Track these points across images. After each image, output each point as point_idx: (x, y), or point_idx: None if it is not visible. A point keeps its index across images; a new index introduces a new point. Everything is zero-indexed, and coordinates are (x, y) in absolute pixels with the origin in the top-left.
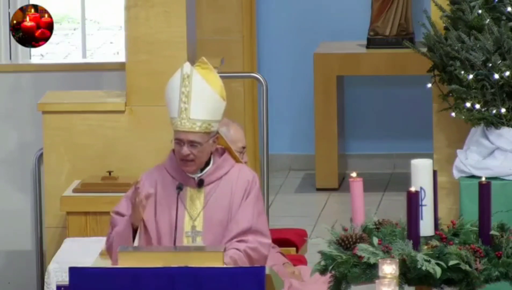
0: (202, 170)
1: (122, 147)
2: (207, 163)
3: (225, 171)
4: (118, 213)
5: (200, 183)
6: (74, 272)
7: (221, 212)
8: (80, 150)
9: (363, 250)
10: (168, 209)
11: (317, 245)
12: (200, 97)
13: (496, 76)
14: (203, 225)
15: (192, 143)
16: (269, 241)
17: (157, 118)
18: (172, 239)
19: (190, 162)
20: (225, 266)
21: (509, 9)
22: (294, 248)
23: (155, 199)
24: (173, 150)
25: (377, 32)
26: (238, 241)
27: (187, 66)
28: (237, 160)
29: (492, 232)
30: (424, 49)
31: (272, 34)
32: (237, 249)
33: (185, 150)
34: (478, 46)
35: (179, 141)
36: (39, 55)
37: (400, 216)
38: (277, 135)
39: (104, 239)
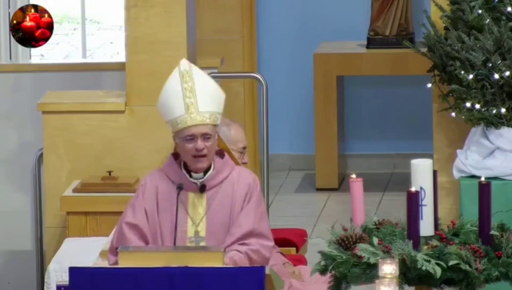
0: (204, 173)
1: (122, 147)
2: (208, 167)
3: (226, 175)
4: (128, 224)
5: (202, 188)
6: (74, 272)
7: (223, 217)
8: (80, 150)
9: (363, 250)
10: (171, 215)
11: (317, 245)
12: (205, 89)
13: (496, 76)
14: (206, 230)
15: (205, 136)
16: (271, 243)
17: (157, 118)
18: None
19: (203, 158)
20: (225, 266)
21: (509, 9)
22: (294, 248)
23: (157, 206)
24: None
25: (377, 32)
26: (240, 244)
27: (184, 63)
28: (236, 163)
29: (492, 232)
30: (424, 49)
31: (272, 34)
32: (238, 250)
33: (200, 144)
34: (478, 46)
35: (191, 137)
36: (39, 55)
37: (400, 216)
38: (277, 135)
39: (104, 239)
